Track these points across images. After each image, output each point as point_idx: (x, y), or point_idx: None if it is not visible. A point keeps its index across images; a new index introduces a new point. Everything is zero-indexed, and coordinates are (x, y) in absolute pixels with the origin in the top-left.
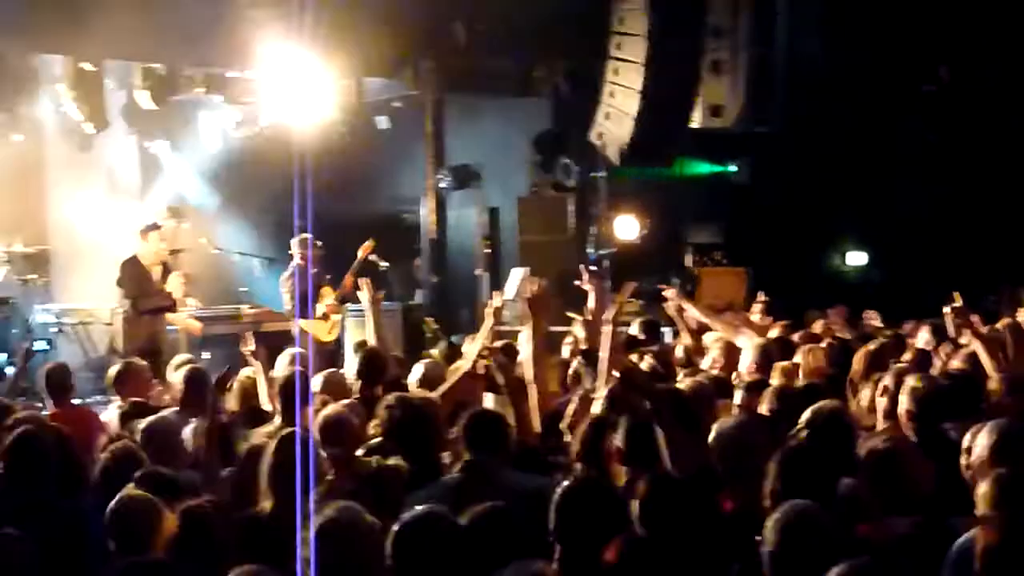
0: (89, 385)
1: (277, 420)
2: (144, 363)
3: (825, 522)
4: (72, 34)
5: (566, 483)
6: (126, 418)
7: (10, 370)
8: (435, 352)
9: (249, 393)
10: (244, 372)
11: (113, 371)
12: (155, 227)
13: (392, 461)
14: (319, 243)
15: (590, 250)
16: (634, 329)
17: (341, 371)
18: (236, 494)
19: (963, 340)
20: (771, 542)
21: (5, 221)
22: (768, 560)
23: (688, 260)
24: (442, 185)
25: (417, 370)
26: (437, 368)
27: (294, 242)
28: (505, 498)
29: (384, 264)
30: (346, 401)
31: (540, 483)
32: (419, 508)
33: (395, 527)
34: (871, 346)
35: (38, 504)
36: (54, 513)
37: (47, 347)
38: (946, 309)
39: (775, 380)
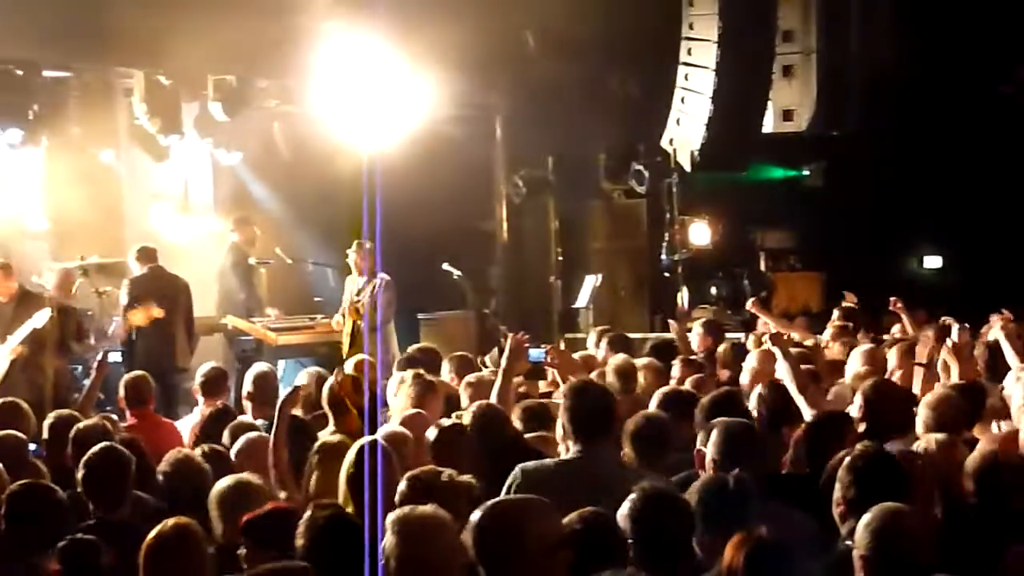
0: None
1: (331, 427)
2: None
3: (915, 525)
4: (146, 48)
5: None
6: (209, 424)
7: (86, 382)
8: (488, 359)
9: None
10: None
11: (200, 378)
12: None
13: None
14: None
15: (663, 256)
16: (697, 330)
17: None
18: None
19: None
20: (864, 546)
21: (82, 233)
22: (860, 564)
23: (762, 265)
24: (515, 193)
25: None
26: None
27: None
28: None
29: (457, 273)
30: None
31: None
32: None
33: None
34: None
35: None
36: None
37: (121, 358)
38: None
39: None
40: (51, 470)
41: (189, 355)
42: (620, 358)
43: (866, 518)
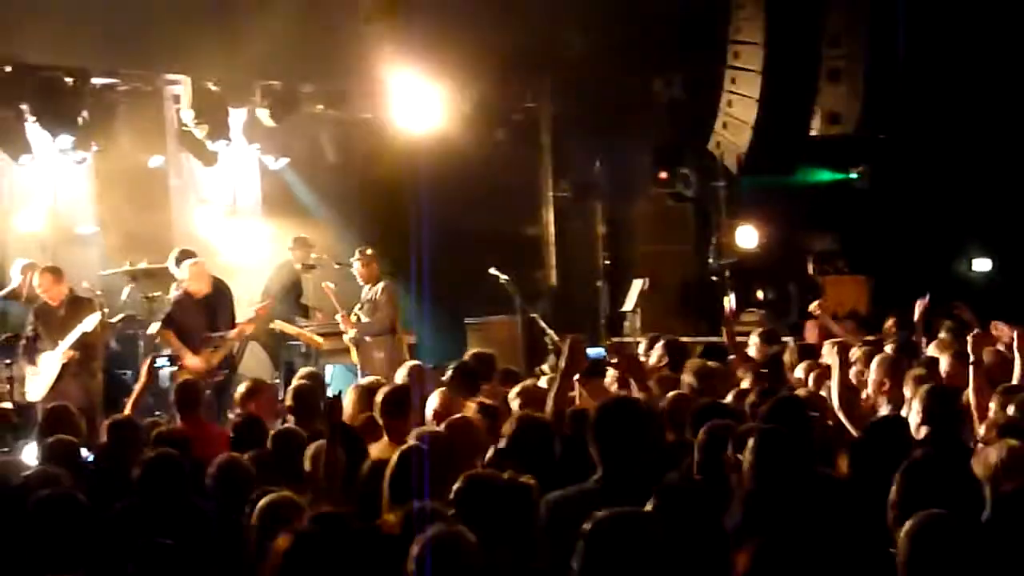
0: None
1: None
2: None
3: (961, 530)
4: (194, 54)
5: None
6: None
7: (136, 387)
8: (546, 367)
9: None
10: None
11: (242, 388)
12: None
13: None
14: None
15: (710, 260)
16: (754, 340)
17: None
18: (360, 507)
19: None
20: (903, 552)
21: (131, 239)
22: (902, 570)
23: (809, 268)
24: (562, 197)
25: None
26: None
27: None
28: None
29: (504, 277)
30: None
31: None
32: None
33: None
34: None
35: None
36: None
37: (170, 363)
38: None
39: None
40: (107, 473)
41: (236, 357)
42: (698, 361)
43: (907, 524)
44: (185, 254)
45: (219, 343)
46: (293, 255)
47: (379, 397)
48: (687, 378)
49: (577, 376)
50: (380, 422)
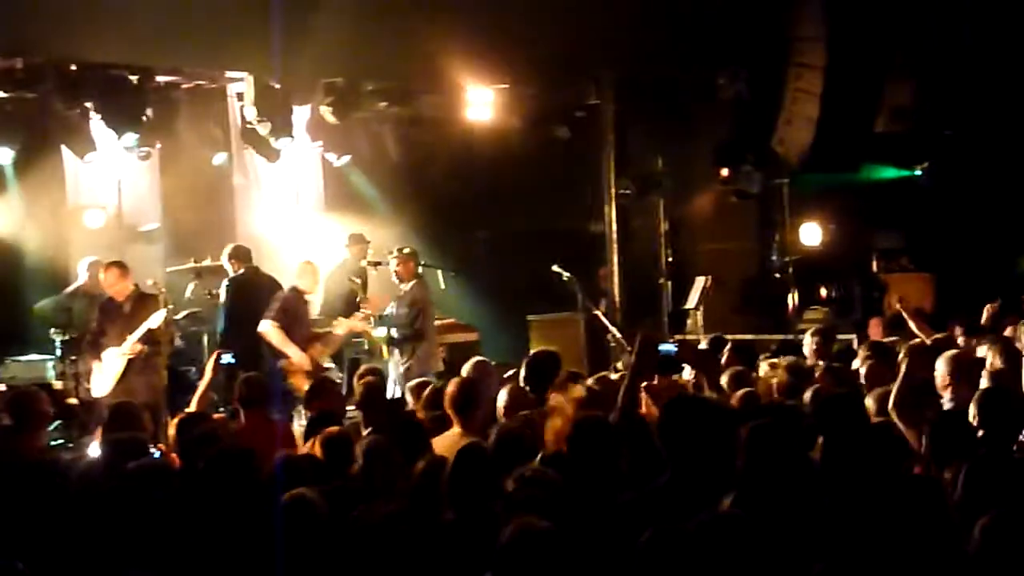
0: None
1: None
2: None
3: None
4: (257, 52)
5: None
6: (313, 428)
7: (201, 383)
8: (619, 365)
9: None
10: None
11: (307, 387)
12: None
13: None
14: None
15: (773, 257)
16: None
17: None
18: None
19: None
20: (975, 548)
21: (194, 237)
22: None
23: (873, 266)
24: (625, 194)
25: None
26: None
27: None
28: None
29: (567, 275)
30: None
31: None
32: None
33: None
34: None
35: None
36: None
37: (234, 360)
38: None
39: None
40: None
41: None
42: (791, 358)
43: (981, 521)
44: (239, 250)
45: (327, 341)
46: (349, 251)
47: (450, 389)
48: (780, 375)
49: (646, 374)
50: (450, 414)
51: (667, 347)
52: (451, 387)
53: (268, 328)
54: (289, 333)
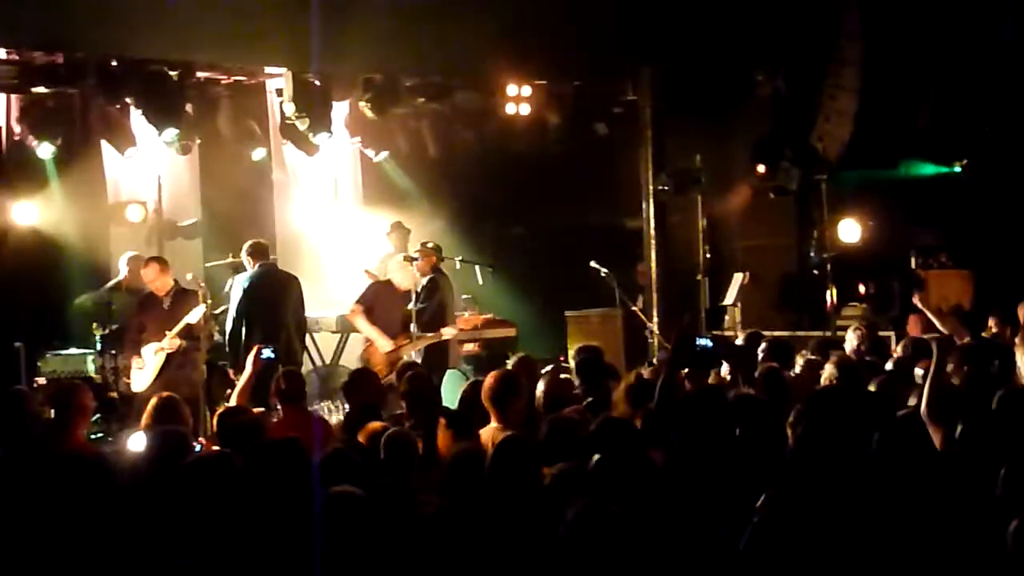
0: (314, 391)
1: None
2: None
3: None
4: (296, 47)
5: None
6: (353, 421)
7: (242, 378)
8: (656, 360)
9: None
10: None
11: (346, 379)
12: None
13: None
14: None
15: (811, 254)
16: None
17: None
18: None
19: None
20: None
21: (233, 232)
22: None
23: (912, 263)
24: (663, 190)
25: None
26: None
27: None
28: None
29: (605, 271)
30: None
31: None
32: None
33: None
34: None
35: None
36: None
37: (273, 355)
38: None
39: None
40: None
41: (299, 352)
42: (841, 353)
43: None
44: (257, 246)
45: (415, 338)
46: (390, 239)
47: (488, 381)
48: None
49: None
50: (488, 407)
51: (704, 342)
52: (490, 380)
53: (351, 313)
54: (374, 321)
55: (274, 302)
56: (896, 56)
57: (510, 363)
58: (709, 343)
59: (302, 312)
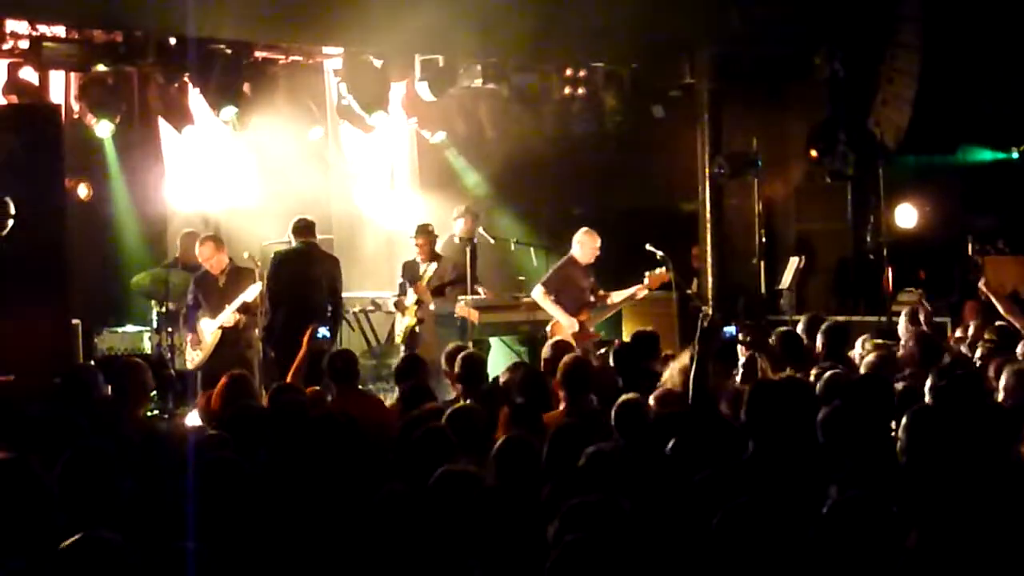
0: (370, 373)
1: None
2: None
3: None
4: (354, 27)
5: None
6: (406, 403)
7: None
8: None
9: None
10: None
11: (400, 362)
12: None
13: None
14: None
15: (868, 239)
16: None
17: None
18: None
19: None
20: None
21: (290, 211)
22: None
23: (969, 248)
24: (719, 173)
25: None
26: None
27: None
28: None
29: (660, 254)
30: None
31: None
32: None
33: None
34: None
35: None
36: None
37: (328, 334)
38: None
39: None
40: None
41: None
42: (921, 330)
43: None
44: (302, 222)
45: (600, 307)
46: (464, 223)
47: (562, 368)
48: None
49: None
50: (560, 393)
51: (729, 330)
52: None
53: (536, 293)
54: (560, 298)
55: (301, 281)
56: (955, 40)
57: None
58: (734, 331)
59: (336, 294)
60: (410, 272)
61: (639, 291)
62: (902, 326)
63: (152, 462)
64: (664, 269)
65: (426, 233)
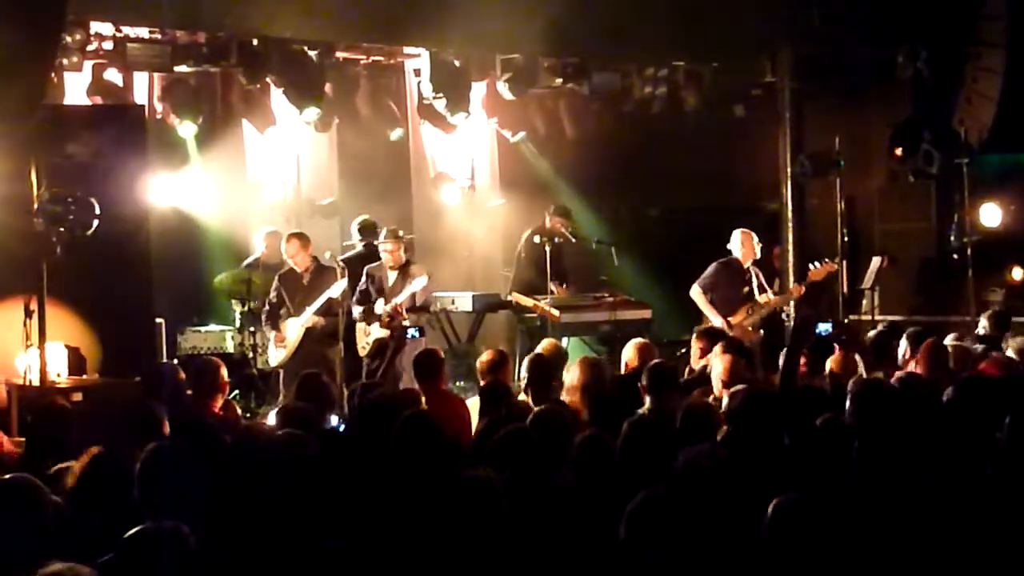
0: (450, 372)
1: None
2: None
3: None
4: (435, 27)
5: None
6: (487, 401)
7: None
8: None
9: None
10: None
11: (485, 358)
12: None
13: None
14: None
15: (952, 238)
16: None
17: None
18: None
19: None
20: None
21: (371, 211)
22: None
23: None
24: (801, 173)
25: None
26: None
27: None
28: None
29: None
30: None
31: None
32: None
33: None
34: None
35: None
36: None
37: (415, 334)
38: None
39: None
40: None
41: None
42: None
43: None
44: (364, 224)
45: (756, 309)
46: (552, 223)
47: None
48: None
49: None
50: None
51: (824, 327)
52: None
53: (693, 292)
54: (714, 298)
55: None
56: None
57: (629, 349)
58: (829, 328)
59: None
60: (378, 282)
61: (796, 292)
62: (984, 327)
63: (233, 460)
64: (827, 261)
65: (396, 238)
